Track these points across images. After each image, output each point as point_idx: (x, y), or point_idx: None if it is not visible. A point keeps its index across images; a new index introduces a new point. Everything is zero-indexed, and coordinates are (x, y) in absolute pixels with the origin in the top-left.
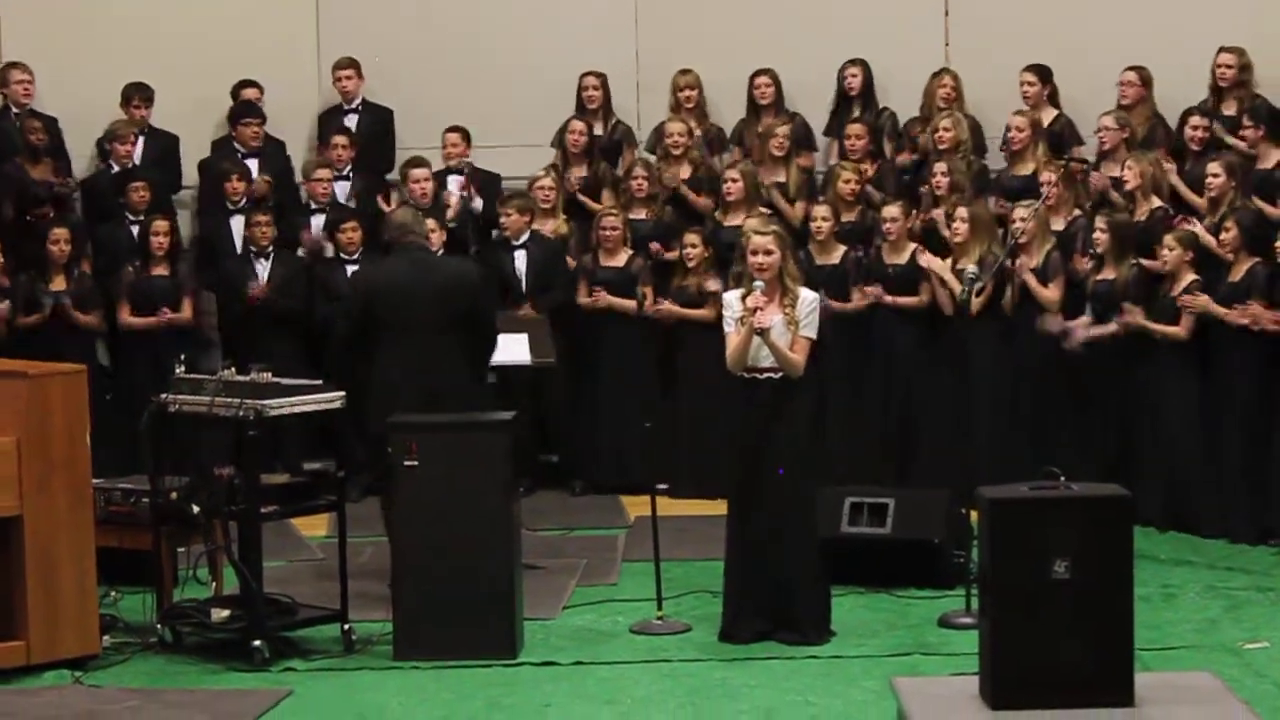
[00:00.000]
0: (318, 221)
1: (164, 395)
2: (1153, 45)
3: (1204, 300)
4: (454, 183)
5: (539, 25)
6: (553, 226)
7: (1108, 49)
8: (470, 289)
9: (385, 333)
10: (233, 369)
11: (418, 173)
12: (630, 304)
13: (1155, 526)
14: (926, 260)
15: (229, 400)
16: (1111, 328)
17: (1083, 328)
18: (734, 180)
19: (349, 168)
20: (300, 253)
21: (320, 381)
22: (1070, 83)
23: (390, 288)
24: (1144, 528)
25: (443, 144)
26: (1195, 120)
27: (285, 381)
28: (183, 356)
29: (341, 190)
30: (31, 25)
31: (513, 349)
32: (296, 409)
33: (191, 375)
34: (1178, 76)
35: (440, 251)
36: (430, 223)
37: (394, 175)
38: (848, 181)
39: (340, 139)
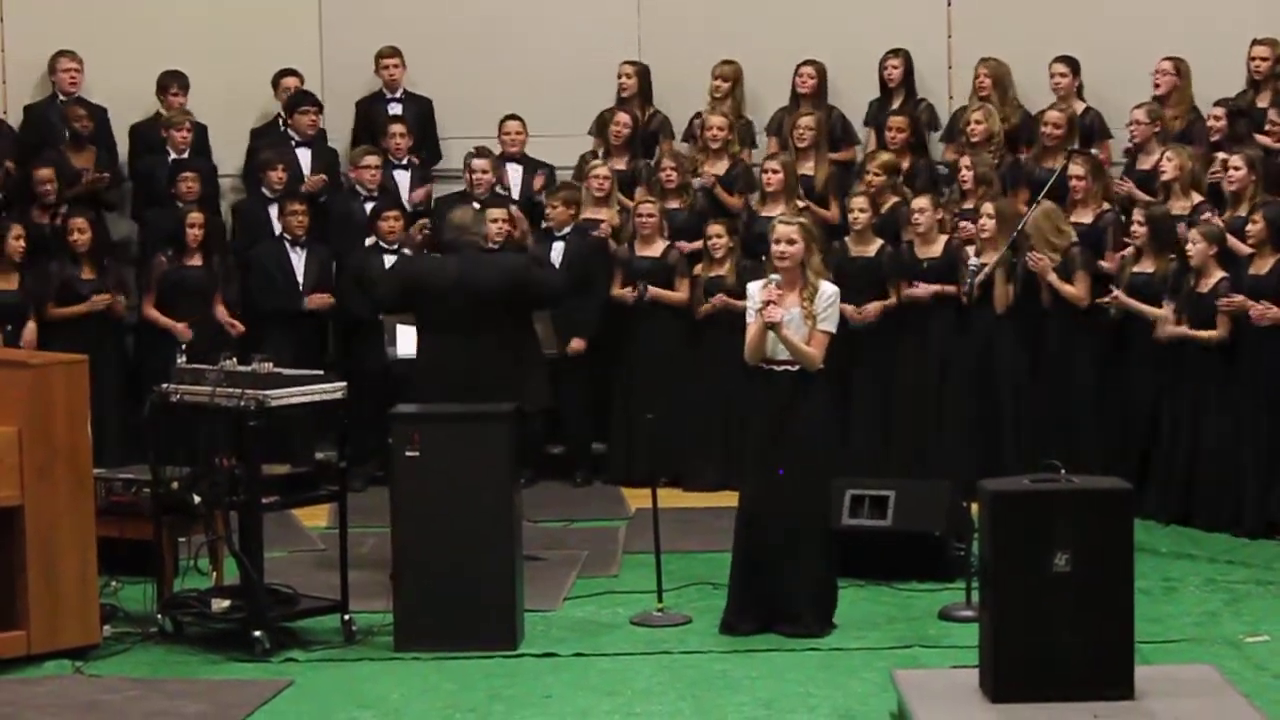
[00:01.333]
0: (369, 207)
1: (165, 385)
2: (1184, 37)
3: (1240, 299)
4: (516, 172)
5: (570, 12)
6: (608, 215)
7: (1136, 40)
8: (519, 276)
9: (431, 332)
10: (234, 359)
11: (480, 163)
12: (678, 296)
13: (1156, 520)
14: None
15: (231, 390)
16: (1178, 330)
17: (1167, 323)
18: (774, 171)
19: (407, 157)
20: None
21: (322, 372)
22: (1098, 75)
23: (435, 287)
24: (1144, 521)
25: (500, 132)
26: (1215, 111)
27: (287, 372)
28: (183, 346)
29: (401, 180)
30: (66, 14)
31: None
32: (298, 399)
33: (193, 365)
34: (1212, 69)
35: (495, 247)
36: (497, 213)
37: (440, 166)
38: (874, 174)
39: (398, 127)
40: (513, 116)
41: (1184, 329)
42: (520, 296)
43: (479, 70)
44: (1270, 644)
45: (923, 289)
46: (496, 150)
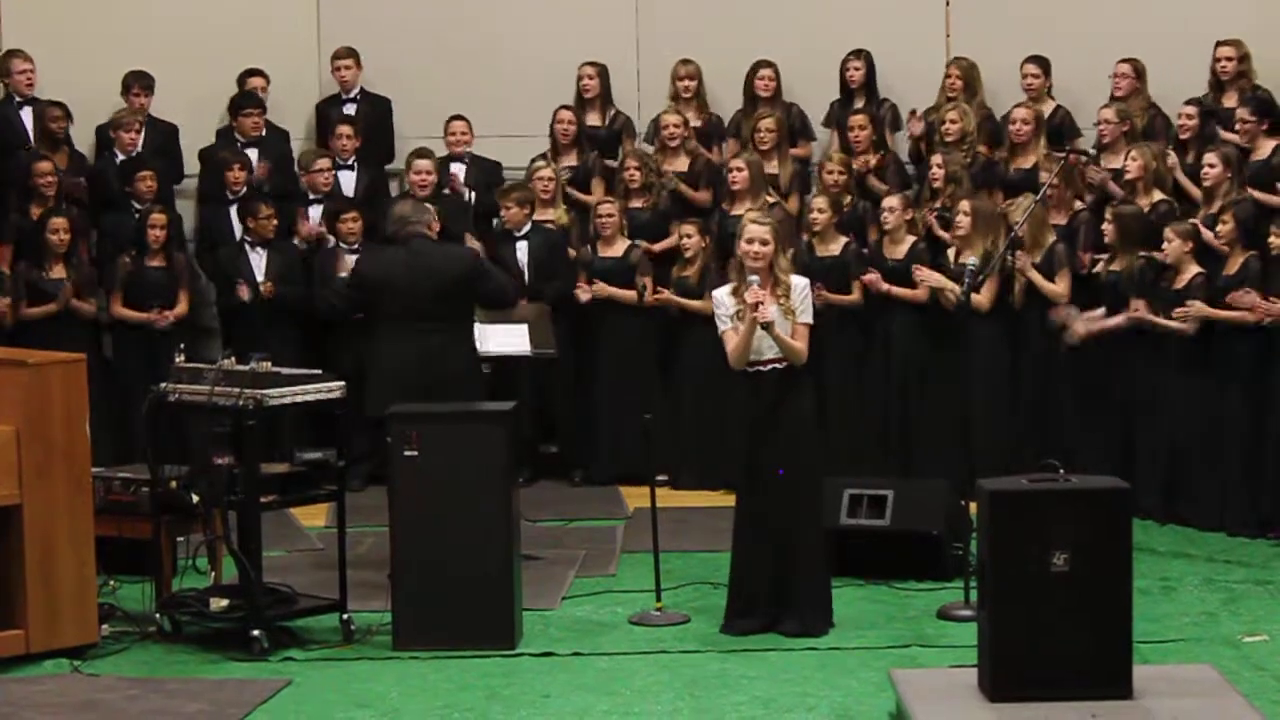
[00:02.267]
0: (316, 211)
1: (163, 384)
2: (1153, 37)
3: (1198, 307)
4: (462, 171)
5: (538, 14)
6: (554, 216)
7: (1109, 41)
8: (464, 263)
9: (384, 322)
10: (232, 358)
11: (421, 164)
12: (629, 294)
13: (1154, 519)
14: (922, 275)
15: (228, 389)
16: (1115, 320)
17: (1083, 321)
18: (739, 170)
19: (353, 158)
20: (297, 242)
21: (320, 371)
22: (1068, 75)
23: (390, 278)
24: (1142, 520)
25: (446, 133)
26: (1186, 110)
27: (285, 371)
28: (182, 345)
29: (346, 180)
30: (31, 13)
31: (513, 340)
32: (296, 398)
33: (191, 364)
34: (1179, 68)
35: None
36: (432, 209)
37: (393, 165)
38: (831, 173)
39: (345, 128)
40: (458, 117)
41: (1101, 323)
42: (469, 287)
43: (439, 70)
44: (1268, 643)
45: (872, 277)
46: (443, 151)
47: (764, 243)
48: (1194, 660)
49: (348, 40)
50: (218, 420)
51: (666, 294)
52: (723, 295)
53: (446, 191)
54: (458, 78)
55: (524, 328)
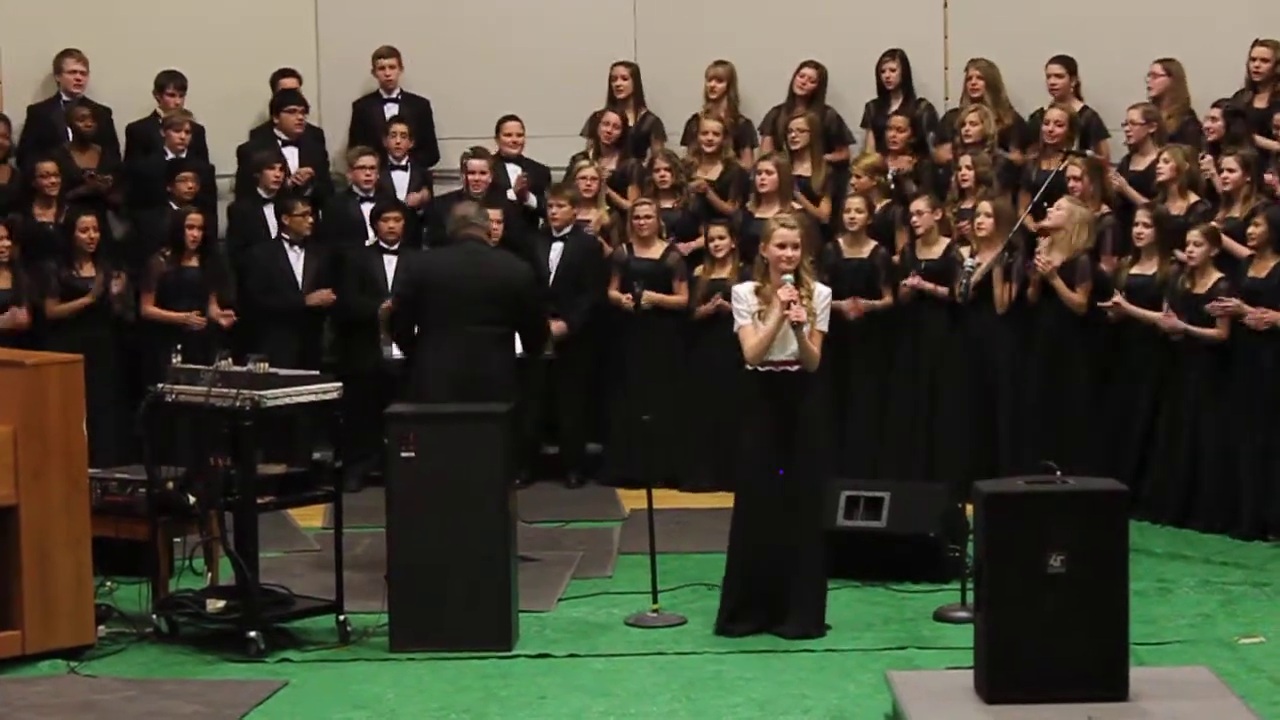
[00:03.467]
0: (366, 208)
1: (160, 385)
2: (1185, 37)
3: (1235, 303)
4: (513, 174)
5: (564, 12)
6: (596, 216)
7: (1136, 41)
8: (523, 285)
9: (433, 323)
10: (230, 359)
11: (476, 163)
12: (675, 299)
13: (1152, 520)
14: (915, 283)
15: (226, 390)
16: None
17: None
18: (768, 172)
19: (406, 158)
20: (511, 195)
21: (317, 372)
22: (1094, 75)
23: (442, 279)
24: (1139, 522)
25: (500, 133)
26: (1212, 113)
27: (283, 372)
28: (179, 347)
29: (400, 180)
30: (65, 15)
31: None
32: (293, 400)
33: (188, 365)
34: (1212, 69)
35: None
36: (494, 213)
37: (437, 166)
38: (860, 176)
39: (400, 128)
40: (512, 117)
41: (1183, 324)
42: (519, 301)
43: (475, 71)
44: (1265, 645)
45: (915, 280)
46: (494, 150)
47: (795, 246)
48: (1190, 662)
49: (348, 41)
50: (215, 421)
51: (718, 298)
52: (745, 292)
53: (512, 196)
54: (486, 77)
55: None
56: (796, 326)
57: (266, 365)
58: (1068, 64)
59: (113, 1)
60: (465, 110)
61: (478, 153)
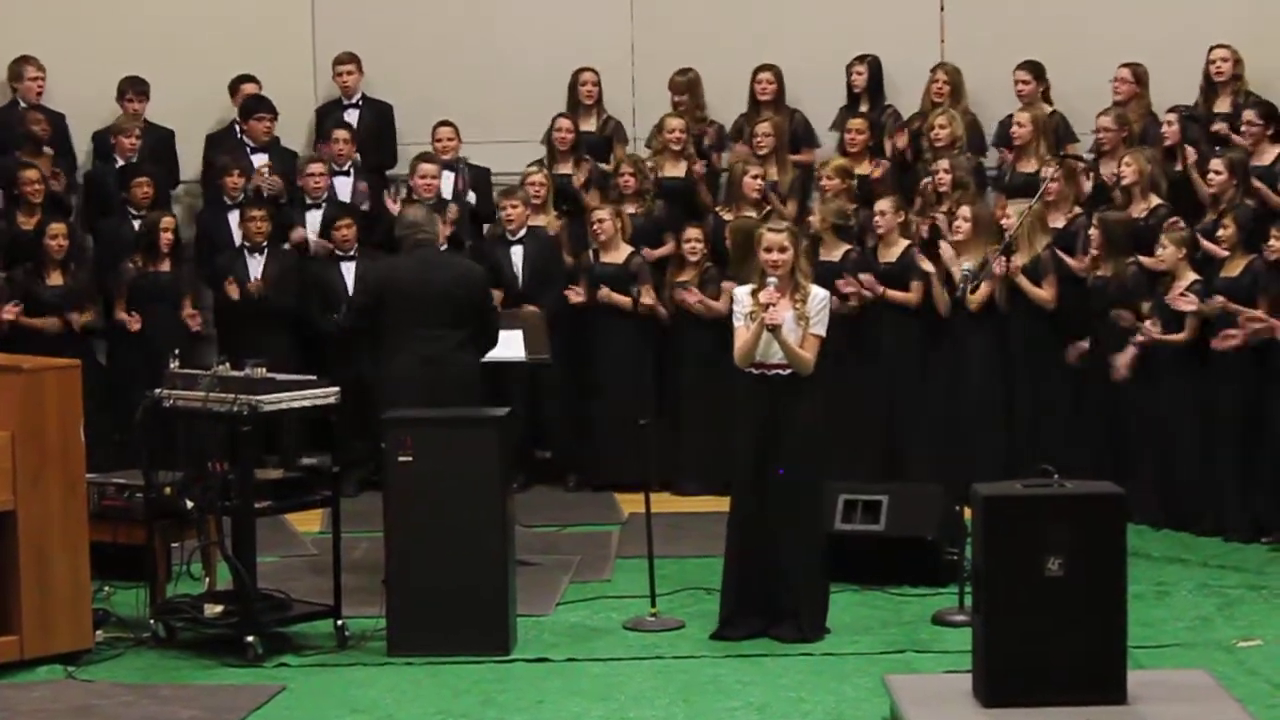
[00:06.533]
0: (313, 217)
1: (158, 390)
2: (1149, 42)
3: (1221, 301)
4: (449, 178)
5: (533, 20)
6: (545, 221)
7: (1105, 46)
8: (477, 289)
9: (393, 329)
10: (228, 364)
11: (426, 168)
12: (627, 300)
13: (1149, 524)
14: (942, 251)
15: (223, 395)
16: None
17: (1125, 362)
18: (752, 178)
19: (349, 164)
20: (286, 247)
21: (315, 377)
22: (1066, 80)
23: (400, 285)
24: (1137, 525)
25: (433, 138)
26: (1168, 117)
27: (280, 377)
28: (177, 351)
29: (342, 186)
30: (28, 20)
31: (508, 345)
32: (291, 404)
33: (186, 370)
34: (1173, 73)
35: (444, 247)
36: (452, 210)
37: (394, 171)
38: (830, 178)
39: (342, 134)
40: (445, 123)
41: (1155, 332)
42: (473, 305)
43: (440, 76)
44: (1263, 649)
45: (867, 279)
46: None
47: (782, 250)
48: (1188, 665)
49: (343, 45)
50: (212, 426)
51: (694, 291)
52: (742, 293)
53: (448, 195)
54: (451, 83)
55: (519, 334)
56: (773, 329)
57: (264, 370)
58: (1034, 69)
59: (76, 6)
60: (429, 116)
61: (426, 157)
